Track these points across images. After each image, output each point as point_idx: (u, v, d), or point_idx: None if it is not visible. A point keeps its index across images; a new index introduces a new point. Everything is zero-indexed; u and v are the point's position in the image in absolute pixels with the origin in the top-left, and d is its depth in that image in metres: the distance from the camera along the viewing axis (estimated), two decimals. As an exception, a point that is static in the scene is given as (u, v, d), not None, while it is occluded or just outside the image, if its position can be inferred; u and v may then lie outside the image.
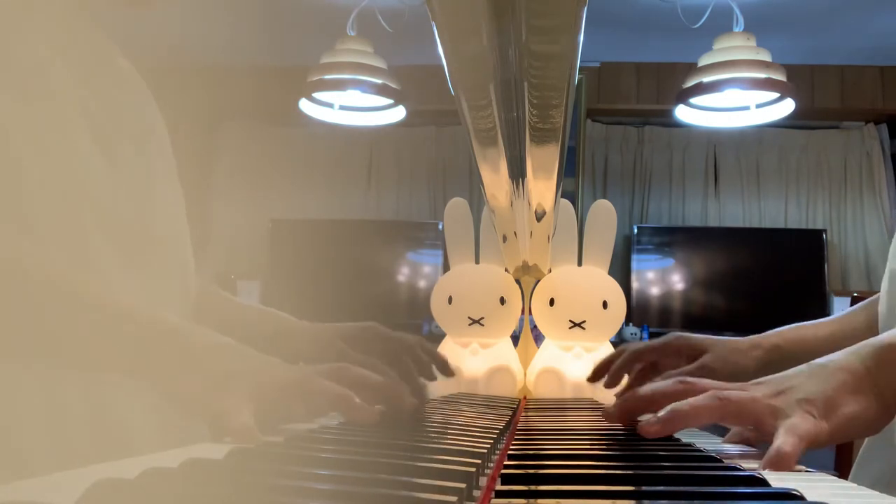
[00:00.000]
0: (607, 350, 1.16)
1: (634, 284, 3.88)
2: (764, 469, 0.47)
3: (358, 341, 0.83)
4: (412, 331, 3.52)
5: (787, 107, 2.72)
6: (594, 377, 0.97)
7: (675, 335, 0.92)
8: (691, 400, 0.54)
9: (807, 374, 0.56)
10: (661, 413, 0.54)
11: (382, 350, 0.86)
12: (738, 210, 4.02)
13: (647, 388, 0.61)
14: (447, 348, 1.18)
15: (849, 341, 0.88)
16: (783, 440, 0.49)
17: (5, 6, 0.59)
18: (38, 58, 0.60)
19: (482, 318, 1.16)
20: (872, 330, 0.82)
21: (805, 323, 0.93)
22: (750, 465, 0.47)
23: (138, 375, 0.55)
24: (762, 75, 2.56)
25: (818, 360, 0.58)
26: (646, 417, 0.58)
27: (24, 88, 0.57)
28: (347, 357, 0.78)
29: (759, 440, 0.60)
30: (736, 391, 0.55)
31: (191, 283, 0.77)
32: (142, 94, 0.76)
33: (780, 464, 0.48)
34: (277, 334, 0.85)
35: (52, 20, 0.64)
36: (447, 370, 0.89)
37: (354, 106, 3.03)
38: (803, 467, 0.50)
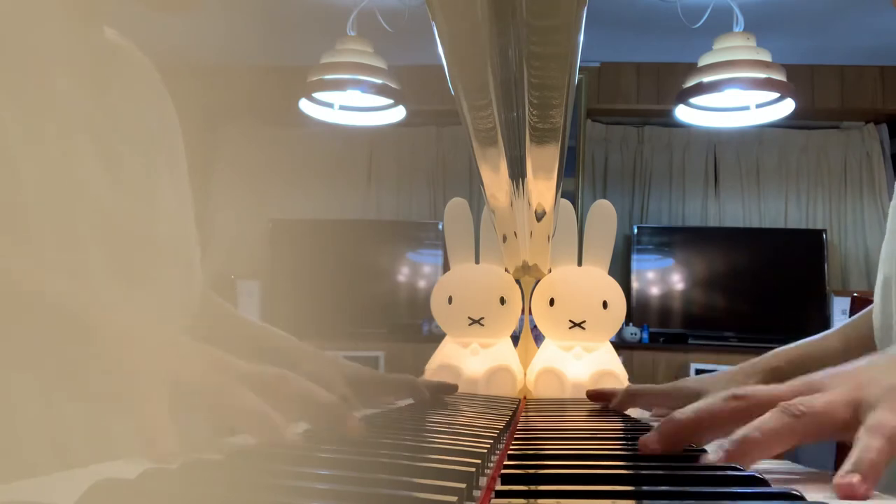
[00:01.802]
0: (608, 350, 1.16)
1: (634, 284, 3.88)
2: (841, 486, 0.38)
3: (356, 380, 0.84)
4: (412, 331, 3.49)
5: (787, 107, 2.72)
6: (593, 397, 0.97)
7: (674, 384, 0.91)
8: (761, 424, 0.43)
9: (889, 362, 0.46)
10: (729, 446, 0.44)
11: (380, 393, 0.89)
12: (738, 210, 4.03)
13: (692, 409, 0.49)
14: (447, 348, 1.18)
15: (847, 355, 0.88)
16: (866, 443, 0.40)
17: (11, 9, 0.58)
18: (43, 63, 0.59)
19: (482, 318, 1.16)
20: (870, 342, 0.82)
21: (801, 341, 0.91)
22: (816, 489, 0.40)
23: (47, 373, 0.51)
24: (762, 75, 2.56)
25: (889, 350, 0.50)
26: (713, 446, 0.47)
27: (26, 94, 0.57)
28: (336, 390, 0.77)
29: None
30: (806, 398, 0.44)
31: (196, 294, 0.77)
32: (156, 97, 0.75)
33: (866, 473, 0.38)
34: (277, 351, 0.85)
35: (61, 23, 0.63)
36: (450, 390, 0.99)
37: (354, 106, 3.03)
38: (808, 468, 0.47)
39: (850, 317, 0.93)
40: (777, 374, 0.87)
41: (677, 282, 3.93)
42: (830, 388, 0.45)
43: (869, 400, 0.42)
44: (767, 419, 0.43)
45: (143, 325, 0.52)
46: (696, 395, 0.85)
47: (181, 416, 0.47)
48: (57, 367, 0.50)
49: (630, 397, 0.89)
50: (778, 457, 0.48)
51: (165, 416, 0.44)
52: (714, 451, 0.44)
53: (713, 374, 0.91)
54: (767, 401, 0.45)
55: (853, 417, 0.42)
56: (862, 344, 0.85)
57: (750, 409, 0.46)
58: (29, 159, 0.55)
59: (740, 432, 0.44)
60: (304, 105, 2.97)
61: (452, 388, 0.99)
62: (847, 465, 0.39)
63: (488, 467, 0.44)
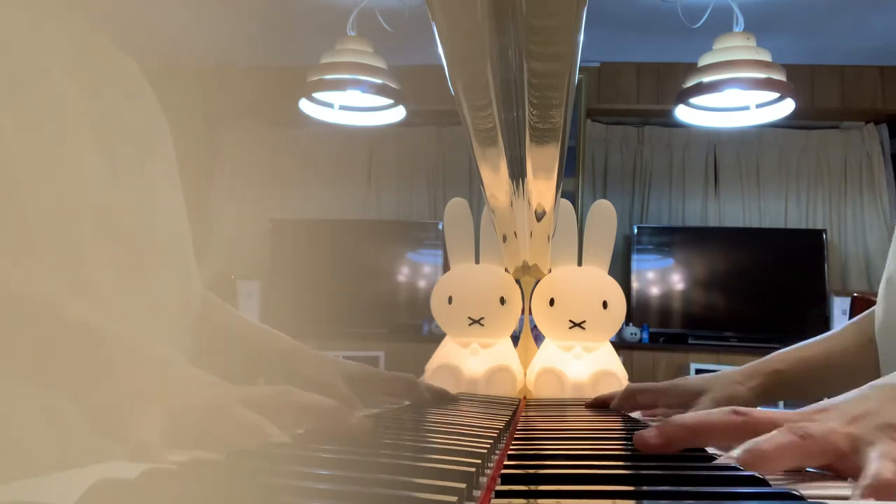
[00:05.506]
0: (608, 350, 1.16)
1: (634, 284, 3.88)
2: (862, 499, 0.39)
3: (356, 379, 0.83)
4: (412, 331, 3.49)
5: (787, 107, 2.72)
6: (593, 405, 0.97)
7: (673, 381, 0.91)
8: (771, 438, 0.44)
9: (879, 398, 0.47)
10: (740, 453, 0.44)
11: (381, 391, 0.88)
12: (738, 210, 4.03)
13: (694, 417, 0.50)
14: (447, 348, 1.18)
15: (846, 357, 0.87)
16: (879, 465, 0.41)
17: (8, 10, 0.59)
18: (41, 62, 0.59)
19: (482, 318, 1.16)
20: (870, 344, 0.82)
21: (800, 344, 0.91)
22: (837, 493, 0.40)
23: (43, 378, 0.51)
24: (762, 75, 2.56)
25: (882, 381, 0.51)
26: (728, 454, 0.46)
27: (24, 93, 0.57)
28: (337, 391, 0.78)
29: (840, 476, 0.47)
30: (810, 423, 0.45)
31: (193, 291, 0.77)
32: (147, 97, 0.76)
33: (883, 492, 0.39)
34: (276, 352, 0.85)
35: (55, 23, 0.63)
36: (448, 399, 0.94)
37: (354, 106, 3.03)
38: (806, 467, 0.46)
39: (849, 317, 0.93)
40: (777, 377, 0.86)
41: (677, 282, 3.93)
42: (825, 421, 0.46)
43: (865, 436, 0.44)
44: (777, 435, 0.44)
45: (148, 341, 0.53)
46: (695, 394, 0.85)
47: (181, 433, 0.47)
48: (59, 373, 0.50)
49: (629, 396, 0.89)
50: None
51: (158, 434, 0.45)
52: (723, 461, 0.44)
53: (713, 373, 0.90)
54: (766, 421, 0.46)
55: (850, 449, 0.44)
56: (861, 348, 0.85)
57: (750, 426, 0.47)
58: (29, 158, 0.56)
59: (751, 443, 0.44)
60: (304, 105, 2.97)
61: (452, 399, 0.96)
62: (866, 478, 0.40)
63: (488, 467, 0.44)
